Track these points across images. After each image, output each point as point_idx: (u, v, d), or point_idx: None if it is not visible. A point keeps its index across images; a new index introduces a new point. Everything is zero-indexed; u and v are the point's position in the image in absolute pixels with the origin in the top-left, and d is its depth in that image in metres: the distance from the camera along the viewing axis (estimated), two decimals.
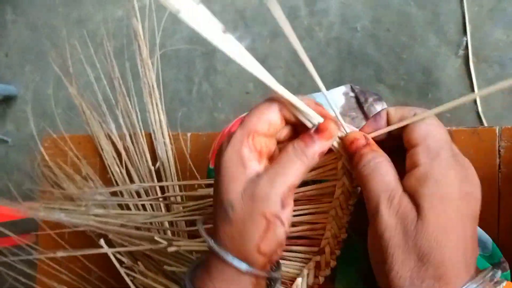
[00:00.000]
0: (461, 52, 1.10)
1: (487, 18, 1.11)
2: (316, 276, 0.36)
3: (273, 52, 1.30)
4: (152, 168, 0.60)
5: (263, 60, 1.34)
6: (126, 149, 0.64)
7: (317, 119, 0.29)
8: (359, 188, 0.34)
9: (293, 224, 0.36)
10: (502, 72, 1.06)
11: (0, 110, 1.78)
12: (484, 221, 0.35)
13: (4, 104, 1.78)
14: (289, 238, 0.36)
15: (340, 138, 0.31)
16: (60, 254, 0.48)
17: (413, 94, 1.15)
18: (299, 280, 0.36)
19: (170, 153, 0.61)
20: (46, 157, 0.68)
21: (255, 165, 0.28)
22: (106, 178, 0.64)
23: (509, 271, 0.40)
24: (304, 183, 0.33)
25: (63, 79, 0.72)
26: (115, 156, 0.63)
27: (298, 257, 0.37)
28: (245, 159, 0.28)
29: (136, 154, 0.62)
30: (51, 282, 0.64)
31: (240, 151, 0.28)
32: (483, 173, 0.47)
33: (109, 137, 0.66)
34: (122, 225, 0.48)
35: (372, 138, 0.31)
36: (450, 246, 0.25)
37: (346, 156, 0.32)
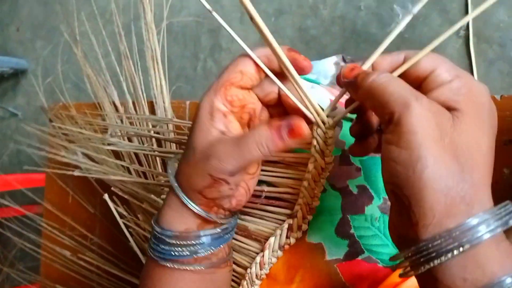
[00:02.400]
0: (462, 32, 1.11)
1: None
2: (287, 237, 0.38)
3: (278, 29, 1.31)
4: (152, 132, 0.63)
5: None
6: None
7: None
8: (332, 164, 0.35)
9: (272, 185, 0.38)
10: (502, 52, 1.07)
11: (11, 84, 1.82)
12: None
13: (16, 78, 1.82)
14: (266, 198, 0.38)
15: (339, 74, 0.30)
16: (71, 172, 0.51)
17: None
18: (271, 239, 0.38)
19: (170, 117, 0.64)
20: (49, 124, 0.72)
21: (220, 118, 0.30)
22: None
23: None
24: None
25: (72, 54, 0.75)
26: (118, 121, 0.66)
27: (273, 218, 0.39)
28: (214, 110, 0.29)
29: (138, 119, 0.65)
30: (54, 246, 0.69)
31: (212, 101, 0.30)
32: None
33: (113, 104, 0.69)
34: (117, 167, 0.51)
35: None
36: (483, 151, 0.24)
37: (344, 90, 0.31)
